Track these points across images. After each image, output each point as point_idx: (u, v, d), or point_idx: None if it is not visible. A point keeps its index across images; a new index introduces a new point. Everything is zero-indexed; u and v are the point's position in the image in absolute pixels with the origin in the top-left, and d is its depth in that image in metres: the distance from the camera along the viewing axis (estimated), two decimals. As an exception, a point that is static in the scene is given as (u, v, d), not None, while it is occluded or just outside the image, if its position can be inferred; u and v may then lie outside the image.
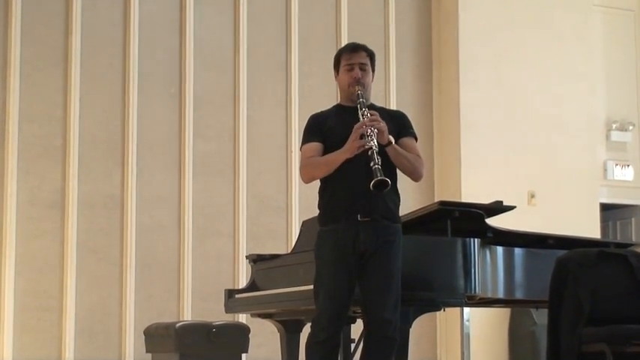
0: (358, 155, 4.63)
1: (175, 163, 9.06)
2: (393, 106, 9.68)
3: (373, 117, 4.70)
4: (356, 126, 4.65)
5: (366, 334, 4.80)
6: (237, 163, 9.24)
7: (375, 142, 4.60)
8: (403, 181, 4.89)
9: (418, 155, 4.94)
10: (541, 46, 10.19)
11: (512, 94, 10.00)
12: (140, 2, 9.04)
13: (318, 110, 5.09)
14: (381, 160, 4.54)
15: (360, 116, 4.72)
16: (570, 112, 10.22)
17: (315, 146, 4.84)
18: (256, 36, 9.47)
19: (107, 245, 8.76)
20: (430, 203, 6.68)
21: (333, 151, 4.78)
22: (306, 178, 4.89)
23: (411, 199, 9.36)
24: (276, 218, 9.33)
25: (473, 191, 9.21)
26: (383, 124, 4.68)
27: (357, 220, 4.70)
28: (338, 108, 5.04)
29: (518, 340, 9.60)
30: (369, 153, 4.57)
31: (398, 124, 4.99)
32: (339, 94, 5.19)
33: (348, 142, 4.66)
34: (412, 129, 5.02)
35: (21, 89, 8.57)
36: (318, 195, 4.95)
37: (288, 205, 9.37)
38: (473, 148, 9.83)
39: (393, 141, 4.75)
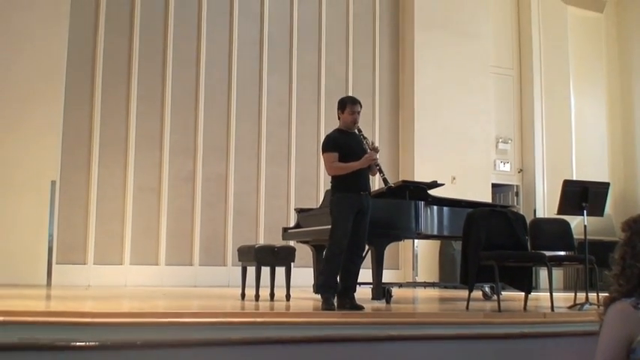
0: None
1: (255, 159, 9.11)
2: (377, 130, 9.82)
3: (378, 148, 4.77)
4: (371, 152, 4.69)
5: (353, 253, 4.71)
6: (290, 160, 9.27)
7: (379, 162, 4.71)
8: (386, 168, 4.83)
9: None
10: (459, 95, 10.09)
11: (445, 123, 9.94)
12: (237, 76, 9.04)
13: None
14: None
15: (367, 145, 4.73)
16: (476, 132, 10.15)
17: (335, 155, 4.72)
18: (302, 105, 9.45)
19: (217, 201, 8.80)
20: (397, 181, 6.68)
21: (344, 156, 4.69)
22: (332, 173, 4.77)
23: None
24: (311, 188, 9.34)
25: (421, 175, 9.17)
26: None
27: (360, 193, 4.68)
28: (341, 132, 4.83)
29: (444, 258, 9.58)
30: (378, 168, 4.69)
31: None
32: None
33: (365, 159, 4.65)
34: None
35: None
36: (332, 177, 4.85)
37: (317, 181, 9.36)
38: (421, 152, 9.80)
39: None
